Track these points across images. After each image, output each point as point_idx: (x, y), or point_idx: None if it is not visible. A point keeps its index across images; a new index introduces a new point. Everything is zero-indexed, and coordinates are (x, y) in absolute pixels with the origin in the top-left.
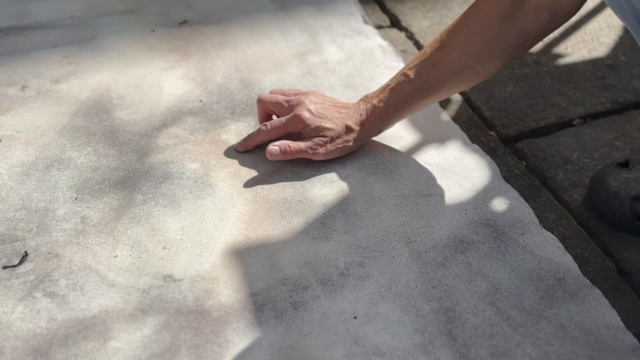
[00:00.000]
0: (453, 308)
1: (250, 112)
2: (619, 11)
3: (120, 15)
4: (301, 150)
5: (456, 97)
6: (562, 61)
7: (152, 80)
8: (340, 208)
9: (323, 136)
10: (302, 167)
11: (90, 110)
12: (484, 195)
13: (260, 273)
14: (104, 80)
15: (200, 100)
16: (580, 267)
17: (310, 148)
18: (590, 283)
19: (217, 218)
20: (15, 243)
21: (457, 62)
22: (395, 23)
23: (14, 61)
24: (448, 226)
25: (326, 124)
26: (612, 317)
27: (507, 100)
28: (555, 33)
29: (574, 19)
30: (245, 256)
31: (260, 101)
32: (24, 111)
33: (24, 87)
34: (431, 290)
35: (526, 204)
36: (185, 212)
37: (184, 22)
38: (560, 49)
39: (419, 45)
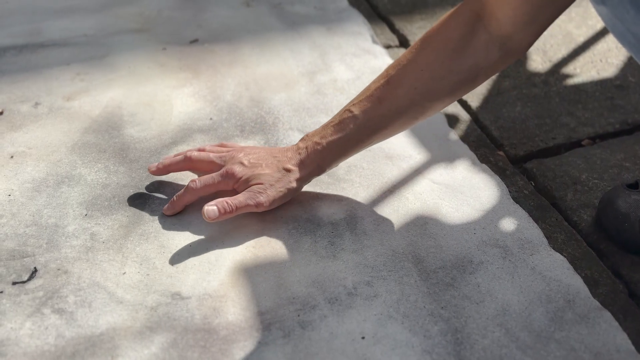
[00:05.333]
0: (462, 329)
1: (259, 130)
2: (627, 45)
3: (132, 34)
4: (242, 205)
5: (464, 117)
6: (571, 82)
7: (163, 98)
8: (349, 227)
9: (260, 184)
10: (310, 185)
11: (101, 127)
12: (493, 216)
13: (267, 292)
14: (115, 98)
15: (210, 118)
16: (590, 288)
17: (250, 199)
18: (601, 305)
19: (225, 236)
20: (24, 259)
21: (405, 98)
22: (404, 43)
23: (27, 78)
24: (457, 246)
25: (261, 170)
26: (623, 340)
27: (516, 120)
28: (564, 53)
29: (582, 39)
30: (253, 274)
31: (188, 160)
32: (36, 128)
33: (36, 103)
34: (440, 310)
35: (535, 225)
36: (194, 229)
37: (194, 41)
38: (568, 69)
39: None
